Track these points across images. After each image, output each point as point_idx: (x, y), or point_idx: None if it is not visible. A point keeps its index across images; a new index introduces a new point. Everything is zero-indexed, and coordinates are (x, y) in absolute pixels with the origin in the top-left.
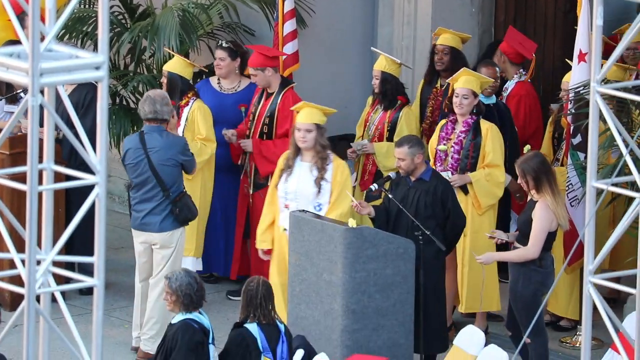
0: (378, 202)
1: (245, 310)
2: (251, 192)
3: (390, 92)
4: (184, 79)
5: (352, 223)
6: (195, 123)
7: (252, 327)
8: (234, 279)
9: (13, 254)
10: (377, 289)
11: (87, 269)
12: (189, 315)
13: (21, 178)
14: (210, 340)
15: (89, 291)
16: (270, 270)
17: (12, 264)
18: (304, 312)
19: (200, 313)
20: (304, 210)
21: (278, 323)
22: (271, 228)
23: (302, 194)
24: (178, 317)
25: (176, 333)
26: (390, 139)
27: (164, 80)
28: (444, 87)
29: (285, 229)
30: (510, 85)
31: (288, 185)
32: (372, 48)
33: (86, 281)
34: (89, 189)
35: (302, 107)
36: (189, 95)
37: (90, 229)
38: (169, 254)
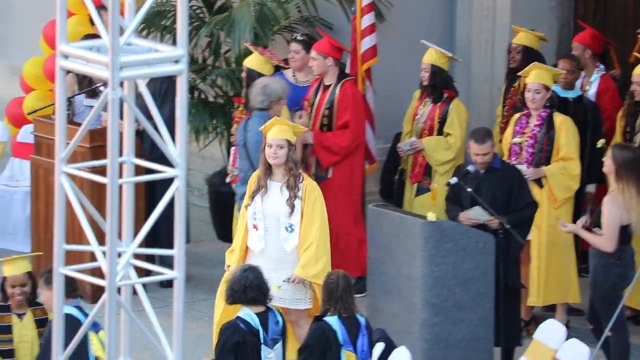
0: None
1: (325, 303)
2: None
3: (440, 85)
4: (262, 76)
5: (431, 216)
6: None
7: (333, 321)
8: None
9: (94, 246)
10: (457, 283)
11: (168, 262)
12: (239, 314)
13: (101, 171)
14: (262, 341)
15: (169, 284)
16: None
17: (93, 257)
18: (383, 306)
19: (269, 311)
20: (383, 204)
21: (358, 316)
22: (238, 250)
23: (271, 215)
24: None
25: (220, 332)
26: (440, 132)
27: (243, 75)
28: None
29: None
30: (594, 80)
31: (256, 205)
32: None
33: (166, 274)
34: (170, 181)
35: (273, 123)
36: None
37: (173, 222)
38: None
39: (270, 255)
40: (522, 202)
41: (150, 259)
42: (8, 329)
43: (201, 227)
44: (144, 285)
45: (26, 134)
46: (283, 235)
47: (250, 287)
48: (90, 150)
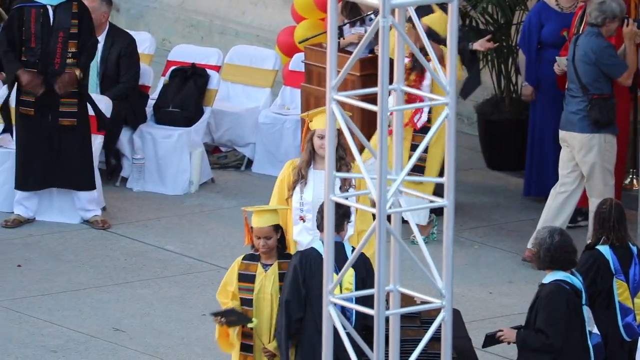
0: None
1: (597, 232)
2: None
3: None
4: None
5: None
6: None
7: (604, 250)
8: None
9: (364, 174)
10: None
11: (435, 191)
12: (557, 276)
13: (371, 99)
14: (583, 302)
15: (434, 212)
16: None
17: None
18: None
19: (572, 273)
20: None
21: (631, 246)
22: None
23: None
24: (548, 277)
25: (549, 294)
26: None
27: None
28: None
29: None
30: None
31: (304, 196)
32: None
33: (436, 201)
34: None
35: (321, 112)
36: None
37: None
38: (588, 158)
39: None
40: None
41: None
42: (252, 278)
43: (471, 156)
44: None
45: (297, 62)
46: None
47: (559, 249)
48: (360, 78)
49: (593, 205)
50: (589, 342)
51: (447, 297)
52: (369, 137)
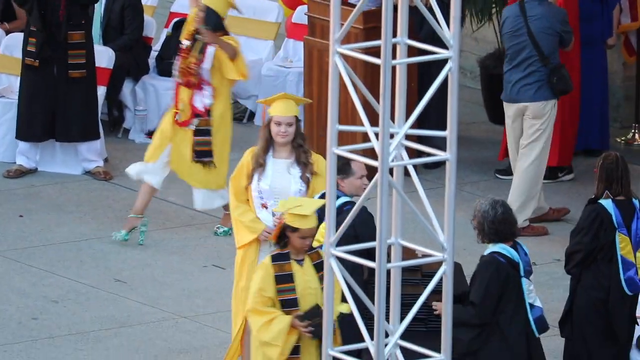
0: None
1: (603, 185)
2: None
3: None
4: None
5: None
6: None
7: (607, 204)
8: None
9: (367, 127)
10: None
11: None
12: (495, 248)
13: (375, 52)
14: (522, 274)
15: (434, 165)
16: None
17: (365, 137)
18: None
19: (514, 244)
20: None
21: (633, 200)
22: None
23: (281, 193)
24: (488, 249)
25: (480, 267)
26: None
27: None
28: None
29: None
30: None
31: (261, 184)
32: None
33: (439, 155)
34: (442, 63)
35: (279, 98)
36: None
37: (444, 104)
38: (539, 124)
39: None
40: None
41: (421, 140)
42: (290, 277)
43: (473, 109)
44: (415, 167)
45: (300, 14)
46: None
47: (504, 222)
48: (363, 31)
49: (524, 163)
50: (529, 314)
51: (449, 251)
52: (374, 89)
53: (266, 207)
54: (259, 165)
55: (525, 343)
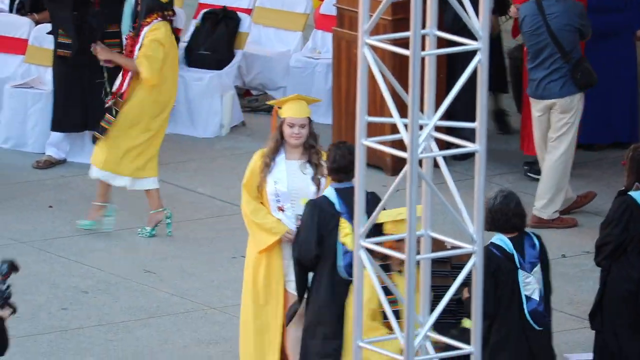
0: None
1: (631, 177)
2: None
3: None
4: None
5: None
6: None
7: (637, 195)
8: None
9: (396, 118)
10: None
11: (466, 136)
12: (494, 239)
13: (404, 43)
14: (518, 265)
15: (462, 157)
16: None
17: (394, 129)
18: None
19: (519, 236)
20: None
21: None
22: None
23: (299, 195)
24: (492, 239)
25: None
26: None
27: None
28: None
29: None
30: None
31: (278, 187)
32: None
33: (468, 146)
34: (471, 55)
35: (291, 99)
36: None
37: (473, 96)
38: (567, 117)
39: None
40: None
41: (450, 132)
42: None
43: (503, 101)
44: (445, 158)
45: (329, 5)
46: None
47: (499, 212)
48: (392, 23)
49: (553, 157)
50: (525, 307)
51: (478, 242)
52: (403, 80)
53: (283, 210)
54: (266, 165)
55: (522, 335)
